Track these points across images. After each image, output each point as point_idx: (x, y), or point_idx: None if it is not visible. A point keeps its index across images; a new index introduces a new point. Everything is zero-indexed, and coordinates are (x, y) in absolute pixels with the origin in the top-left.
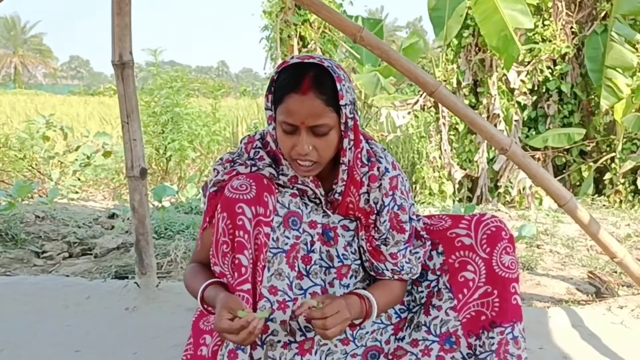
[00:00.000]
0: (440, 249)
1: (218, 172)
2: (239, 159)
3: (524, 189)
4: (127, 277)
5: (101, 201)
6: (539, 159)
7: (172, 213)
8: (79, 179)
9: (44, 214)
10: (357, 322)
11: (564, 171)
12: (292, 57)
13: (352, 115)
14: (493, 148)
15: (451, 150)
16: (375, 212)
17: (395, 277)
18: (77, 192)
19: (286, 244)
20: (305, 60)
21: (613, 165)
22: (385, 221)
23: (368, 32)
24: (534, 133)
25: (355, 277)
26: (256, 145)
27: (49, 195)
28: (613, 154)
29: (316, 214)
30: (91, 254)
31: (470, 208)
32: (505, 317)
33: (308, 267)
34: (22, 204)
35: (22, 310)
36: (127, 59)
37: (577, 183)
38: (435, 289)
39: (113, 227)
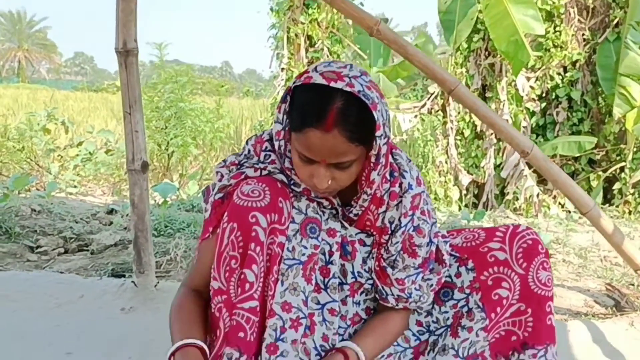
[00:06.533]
0: (470, 264)
1: (222, 176)
2: (246, 162)
3: (530, 196)
4: (124, 276)
5: (100, 196)
6: None
7: (172, 210)
8: (78, 174)
9: (41, 208)
10: None
11: (573, 179)
12: (315, 68)
13: (385, 140)
14: (501, 154)
15: (457, 155)
16: (389, 232)
17: (400, 305)
18: (75, 187)
19: (303, 254)
20: (332, 84)
21: (623, 175)
22: (397, 242)
23: (385, 26)
24: (542, 140)
25: (366, 295)
26: (266, 147)
27: (47, 189)
28: (623, 164)
29: (334, 222)
30: (87, 250)
31: (480, 214)
32: (538, 339)
33: (326, 280)
34: (19, 197)
35: (10, 308)
36: (131, 47)
37: (586, 192)
38: (465, 308)
39: (111, 223)
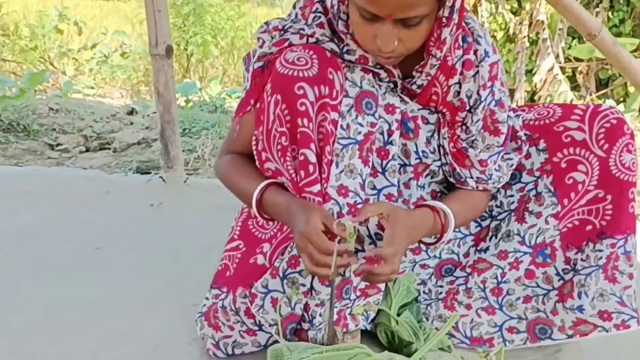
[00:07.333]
0: (542, 145)
1: (263, 42)
2: (291, 27)
3: (564, 102)
4: (149, 173)
5: (118, 99)
6: (581, 72)
7: (195, 111)
8: (94, 79)
9: (59, 107)
10: (429, 240)
11: (608, 85)
12: None
13: None
14: (534, 58)
15: None
16: (467, 108)
17: (480, 187)
18: (92, 88)
19: (359, 132)
20: None
21: None
22: (478, 120)
23: None
24: (577, 43)
25: (432, 177)
26: (316, 8)
27: (63, 88)
28: None
29: (392, 97)
30: (109, 149)
31: None
32: (618, 228)
33: (384, 162)
34: (35, 96)
35: (35, 203)
36: None
37: (622, 99)
38: (532, 192)
39: (132, 123)
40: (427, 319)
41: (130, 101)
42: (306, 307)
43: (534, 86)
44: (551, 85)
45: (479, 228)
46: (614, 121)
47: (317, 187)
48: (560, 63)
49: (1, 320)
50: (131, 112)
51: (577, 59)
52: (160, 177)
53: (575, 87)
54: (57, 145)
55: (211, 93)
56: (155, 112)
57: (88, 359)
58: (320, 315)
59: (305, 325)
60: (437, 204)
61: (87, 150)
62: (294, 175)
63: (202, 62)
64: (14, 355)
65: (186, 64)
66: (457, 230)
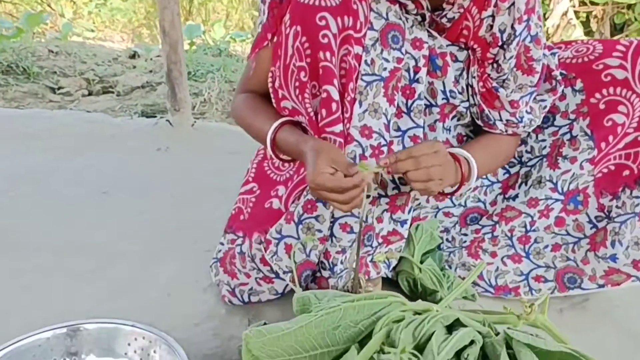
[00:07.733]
0: (579, 85)
1: None
2: None
3: None
4: (155, 117)
5: (119, 42)
6: (595, 16)
7: (199, 55)
8: (94, 22)
9: (58, 49)
10: (449, 190)
11: (623, 30)
12: None
13: None
14: (547, 1)
15: None
16: (500, 44)
17: (509, 130)
18: (92, 31)
19: (384, 68)
20: None
21: None
22: (511, 57)
23: None
24: None
25: (459, 119)
26: None
27: (62, 30)
28: None
29: (420, 31)
30: (113, 92)
31: None
32: None
33: (410, 102)
34: (33, 39)
35: (37, 146)
36: None
37: None
38: (567, 136)
39: (135, 66)
40: (450, 267)
41: (132, 45)
42: (326, 254)
43: (546, 31)
44: (564, 30)
45: (507, 175)
46: None
47: (339, 127)
48: (574, 7)
49: (11, 265)
50: (133, 55)
51: (593, 3)
52: (167, 120)
53: (588, 32)
54: (59, 88)
55: (215, 37)
56: (158, 56)
57: (100, 304)
58: (341, 262)
59: (326, 273)
60: (460, 151)
61: (90, 93)
62: (312, 114)
63: (204, 4)
64: (25, 300)
65: (188, 6)
66: (483, 177)
